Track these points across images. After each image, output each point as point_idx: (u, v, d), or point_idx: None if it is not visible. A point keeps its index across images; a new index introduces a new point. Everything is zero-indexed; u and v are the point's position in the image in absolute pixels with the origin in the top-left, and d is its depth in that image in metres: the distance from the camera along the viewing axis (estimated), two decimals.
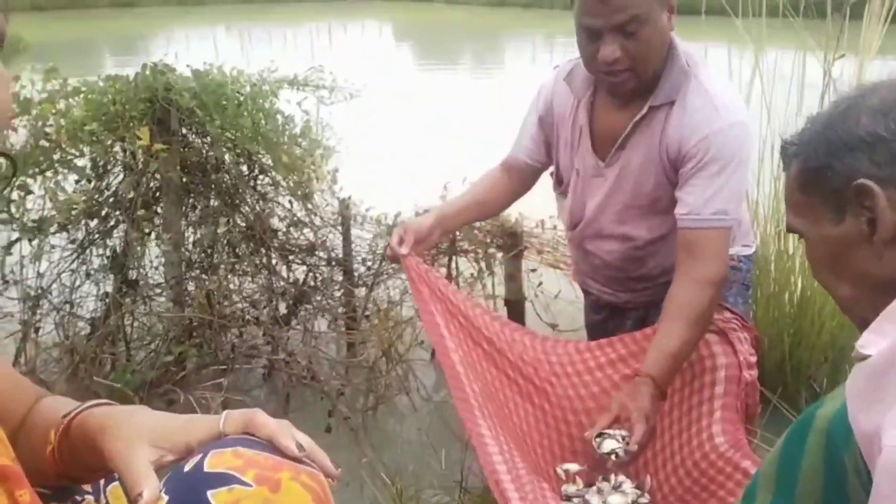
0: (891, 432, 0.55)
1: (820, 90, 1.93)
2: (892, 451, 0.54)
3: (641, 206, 1.49)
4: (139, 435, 0.64)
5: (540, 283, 2.40)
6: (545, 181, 1.73)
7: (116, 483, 0.85)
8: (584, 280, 1.72)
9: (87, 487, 0.81)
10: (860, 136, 0.71)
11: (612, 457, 1.25)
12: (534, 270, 2.41)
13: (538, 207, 2.23)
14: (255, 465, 0.60)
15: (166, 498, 0.58)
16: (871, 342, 0.62)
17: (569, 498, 1.33)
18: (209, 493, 0.57)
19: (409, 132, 5.31)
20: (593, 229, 1.58)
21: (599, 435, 1.28)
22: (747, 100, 2.01)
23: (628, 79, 1.38)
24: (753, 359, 1.44)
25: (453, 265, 2.31)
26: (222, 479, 0.58)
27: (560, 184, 1.64)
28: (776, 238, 2.01)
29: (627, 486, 1.35)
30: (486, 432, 1.22)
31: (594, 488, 1.35)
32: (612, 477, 1.36)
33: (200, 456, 0.61)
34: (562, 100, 1.56)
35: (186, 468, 0.60)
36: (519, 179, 1.67)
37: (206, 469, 0.59)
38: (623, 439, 1.26)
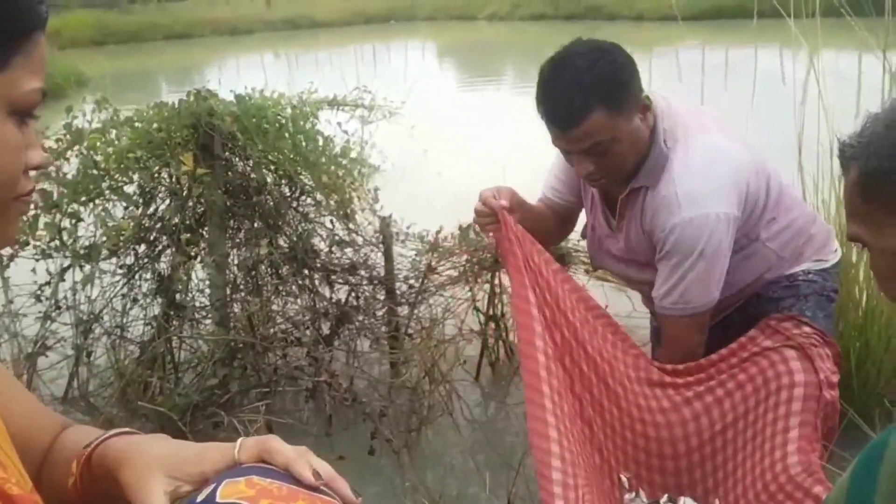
0: None
1: (879, 89, 1.83)
2: None
3: (653, 263, 1.49)
4: (155, 465, 0.64)
5: None
6: None
7: None
8: (645, 302, 1.72)
9: None
10: None
11: None
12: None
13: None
14: (267, 494, 0.58)
15: None
16: None
17: None
18: None
19: (452, 149, 5.31)
20: (622, 277, 1.65)
21: None
22: (802, 102, 1.92)
23: (607, 182, 1.44)
24: (835, 377, 1.38)
25: (496, 280, 2.27)
26: None
27: (584, 231, 1.69)
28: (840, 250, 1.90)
29: None
30: (551, 420, 1.23)
31: None
32: (681, 499, 1.32)
33: (214, 485, 0.59)
34: None
35: (199, 498, 0.59)
36: (557, 216, 1.68)
37: (218, 499, 0.57)
38: None
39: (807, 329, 1.41)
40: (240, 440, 0.66)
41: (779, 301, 1.49)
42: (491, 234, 1.48)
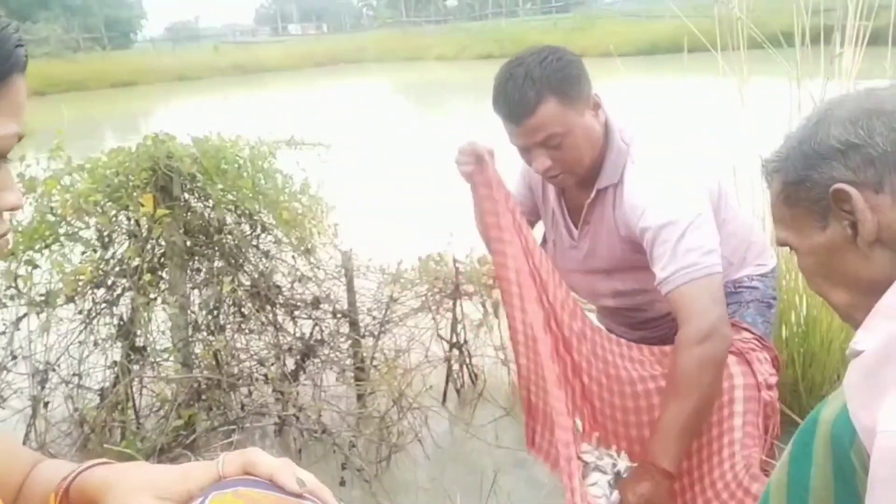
0: (886, 420, 0.55)
1: (798, 113, 1.98)
2: (886, 436, 0.55)
3: (620, 269, 1.55)
4: (139, 488, 0.64)
5: None
6: None
7: None
8: (601, 320, 1.76)
9: None
10: (833, 145, 0.74)
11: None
12: None
13: None
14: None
15: None
16: (864, 339, 0.63)
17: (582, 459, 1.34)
18: None
19: (408, 183, 5.39)
20: (585, 289, 1.64)
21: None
22: (735, 127, 2.06)
23: (566, 178, 1.46)
24: (773, 379, 1.44)
25: (458, 309, 2.32)
26: None
27: (544, 243, 1.71)
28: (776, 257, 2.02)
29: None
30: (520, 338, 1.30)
31: (607, 456, 1.40)
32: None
33: (201, 499, 0.60)
34: (536, 180, 1.65)
35: None
36: None
37: None
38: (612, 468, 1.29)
39: (746, 334, 1.47)
40: (222, 455, 0.68)
41: None
42: (468, 174, 1.51)
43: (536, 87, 1.35)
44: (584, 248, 1.56)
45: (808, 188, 0.77)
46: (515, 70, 1.38)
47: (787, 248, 0.83)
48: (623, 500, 1.33)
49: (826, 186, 0.74)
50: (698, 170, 1.47)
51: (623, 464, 1.43)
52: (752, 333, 1.48)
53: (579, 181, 1.48)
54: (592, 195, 1.49)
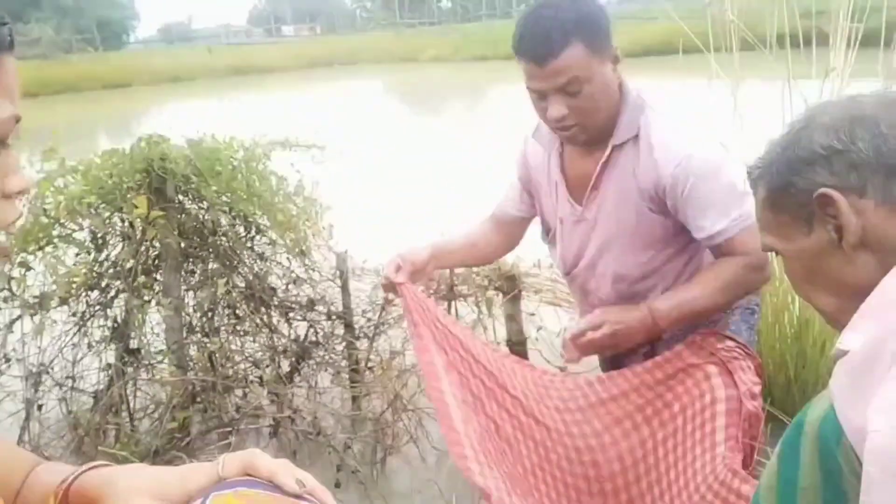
0: (874, 419, 0.56)
1: (791, 115, 2.00)
2: (877, 436, 0.56)
3: (627, 242, 1.51)
4: (139, 489, 0.64)
5: (539, 328, 2.41)
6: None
7: None
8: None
9: None
10: (816, 151, 0.75)
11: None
12: (532, 314, 2.42)
13: (533, 245, 2.26)
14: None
15: None
16: (850, 339, 0.64)
17: None
18: None
19: (402, 184, 5.39)
20: (585, 272, 1.60)
21: None
22: (728, 129, 2.08)
23: (579, 132, 1.43)
24: (757, 388, 1.42)
25: (452, 311, 2.32)
26: None
27: (547, 233, 1.69)
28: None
29: None
30: (475, 467, 1.23)
31: None
32: None
33: (202, 499, 0.61)
34: (535, 156, 1.62)
35: None
36: (507, 230, 1.72)
37: None
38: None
39: (730, 343, 1.45)
40: (222, 457, 0.68)
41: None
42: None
43: (565, 29, 1.33)
44: (590, 218, 1.52)
45: (792, 194, 0.78)
46: (543, 11, 1.36)
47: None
48: (601, 310, 1.39)
49: (810, 192, 0.75)
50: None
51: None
52: (736, 342, 1.47)
53: (588, 140, 1.45)
54: (607, 152, 1.45)
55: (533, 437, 1.45)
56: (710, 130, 1.46)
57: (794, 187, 0.77)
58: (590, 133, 1.43)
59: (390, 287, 1.51)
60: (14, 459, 0.81)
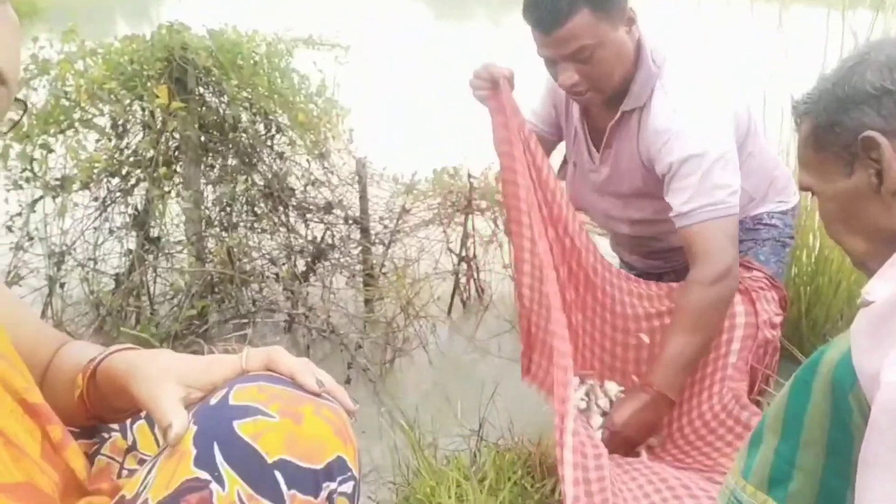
0: (889, 370, 0.57)
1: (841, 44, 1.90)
2: (889, 389, 0.56)
3: (639, 196, 1.52)
4: (166, 374, 0.67)
5: None
6: None
7: (143, 421, 0.89)
8: (614, 247, 1.75)
9: (115, 426, 0.85)
10: (867, 90, 0.72)
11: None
12: None
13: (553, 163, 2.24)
14: (278, 398, 0.62)
15: (195, 428, 0.60)
16: (877, 289, 0.63)
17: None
18: (235, 424, 0.59)
19: (425, 92, 5.26)
20: (601, 214, 1.62)
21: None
22: (769, 55, 1.99)
23: (594, 96, 1.40)
24: (778, 318, 1.45)
25: (469, 224, 2.33)
26: (247, 411, 0.60)
27: (561, 167, 1.68)
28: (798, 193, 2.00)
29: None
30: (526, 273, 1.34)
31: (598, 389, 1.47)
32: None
33: (226, 390, 0.63)
34: (560, 97, 1.59)
35: (213, 401, 0.63)
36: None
37: (231, 402, 0.61)
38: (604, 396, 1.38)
39: (756, 273, 1.47)
40: (245, 350, 0.70)
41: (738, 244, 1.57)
42: (484, 98, 1.45)
43: None
44: (603, 173, 1.54)
45: (837, 133, 0.76)
46: None
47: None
48: (617, 417, 1.37)
49: (855, 132, 0.73)
50: (730, 97, 1.43)
51: (615, 388, 1.48)
52: (763, 273, 1.48)
53: (604, 101, 1.43)
54: (616, 117, 1.44)
55: (577, 286, 1.51)
56: (717, 100, 1.39)
57: (840, 126, 0.75)
58: (604, 95, 1.41)
59: (488, 80, 1.40)
60: (42, 336, 0.84)
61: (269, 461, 0.58)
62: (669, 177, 1.38)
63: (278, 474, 0.58)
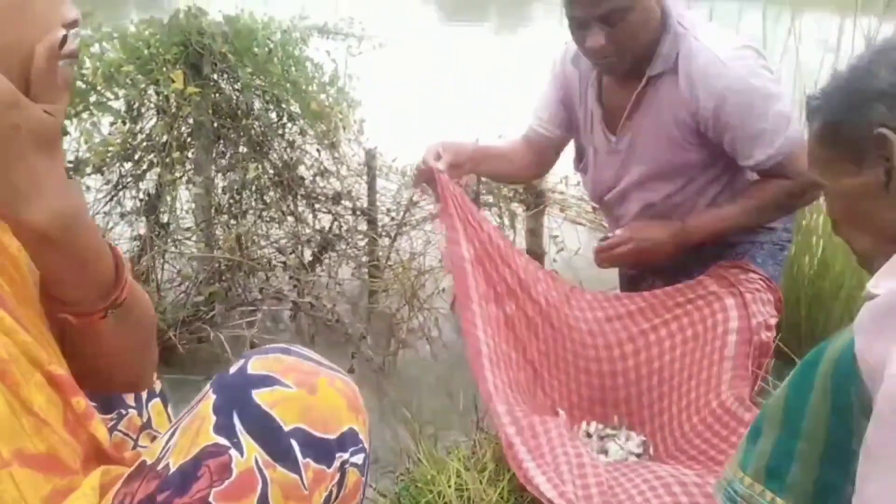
0: (893, 363, 0.58)
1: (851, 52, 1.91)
2: (893, 381, 0.58)
3: (659, 172, 1.51)
4: None
5: (560, 249, 2.42)
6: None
7: (157, 399, 0.91)
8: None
9: (131, 402, 0.87)
10: (880, 88, 0.73)
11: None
12: (555, 237, 2.44)
13: (561, 161, 2.25)
14: (294, 369, 0.65)
15: (214, 397, 0.62)
16: (882, 283, 0.65)
17: (589, 435, 1.41)
18: (253, 392, 0.61)
19: (434, 86, 5.27)
20: (616, 201, 1.61)
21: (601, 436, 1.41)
22: (781, 61, 2.00)
23: (616, 63, 1.41)
24: (773, 321, 1.45)
25: None
26: (265, 381, 0.62)
27: (580, 160, 1.68)
28: None
29: (633, 442, 1.43)
30: (486, 363, 1.32)
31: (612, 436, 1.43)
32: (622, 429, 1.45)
33: (244, 361, 0.65)
34: (573, 81, 1.60)
35: (231, 371, 0.65)
36: (539, 151, 1.70)
37: (249, 371, 0.64)
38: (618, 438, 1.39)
39: (752, 275, 1.48)
40: None
41: (735, 246, 1.55)
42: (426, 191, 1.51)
43: None
44: (623, 148, 1.52)
45: (847, 130, 0.76)
46: None
47: None
48: (635, 225, 1.45)
49: (867, 130, 0.74)
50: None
51: (636, 439, 1.47)
52: (759, 275, 1.48)
53: (626, 72, 1.43)
54: (643, 83, 1.44)
55: (546, 341, 1.51)
56: (756, 55, 1.39)
57: (851, 123, 0.75)
58: (628, 64, 1.41)
59: (426, 174, 1.45)
60: None
61: (286, 429, 0.60)
62: (730, 127, 1.37)
63: (294, 442, 0.60)
